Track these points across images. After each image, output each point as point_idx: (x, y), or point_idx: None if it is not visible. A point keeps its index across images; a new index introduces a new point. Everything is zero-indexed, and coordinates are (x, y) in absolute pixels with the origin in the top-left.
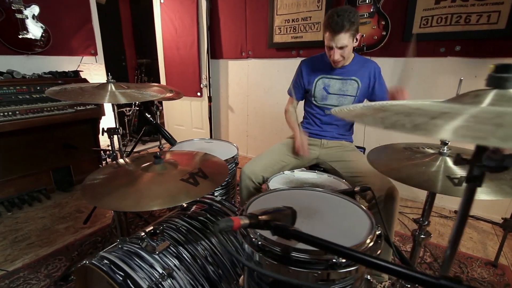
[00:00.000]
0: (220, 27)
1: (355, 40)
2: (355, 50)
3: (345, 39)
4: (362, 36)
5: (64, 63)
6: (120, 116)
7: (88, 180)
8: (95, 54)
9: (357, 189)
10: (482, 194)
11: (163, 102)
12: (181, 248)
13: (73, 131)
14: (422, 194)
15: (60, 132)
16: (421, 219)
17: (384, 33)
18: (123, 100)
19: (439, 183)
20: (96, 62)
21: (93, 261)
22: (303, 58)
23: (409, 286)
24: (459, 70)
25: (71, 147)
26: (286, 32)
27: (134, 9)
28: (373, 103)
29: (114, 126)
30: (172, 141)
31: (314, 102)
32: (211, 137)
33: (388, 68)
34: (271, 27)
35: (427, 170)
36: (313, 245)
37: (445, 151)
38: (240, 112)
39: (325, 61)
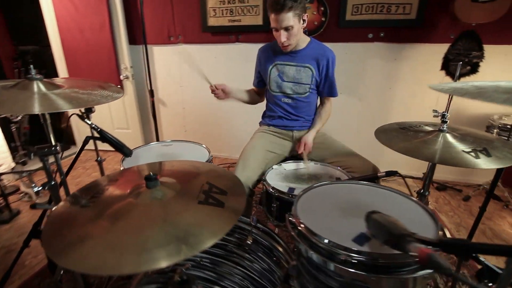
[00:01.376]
0: (137, 6)
1: (302, 21)
2: (307, 33)
3: (289, 20)
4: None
5: None
6: (4, 125)
7: (49, 226)
8: None
9: (381, 173)
10: (489, 163)
11: None
12: None
13: None
14: None
15: None
16: (422, 190)
17: (323, 19)
18: (66, 107)
19: (459, 158)
20: None
21: None
22: (260, 47)
23: None
24: (383, 54)
25: None
26: (222, 14)
27: None
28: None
29: (49, 143)
30: (126, 151)
31: (269, 90)
32: (157, 139)
33: None
34: (204, 9)
35: (442, 148)
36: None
37: (444, 128)
38: (174, 105)
39: (278, 47)
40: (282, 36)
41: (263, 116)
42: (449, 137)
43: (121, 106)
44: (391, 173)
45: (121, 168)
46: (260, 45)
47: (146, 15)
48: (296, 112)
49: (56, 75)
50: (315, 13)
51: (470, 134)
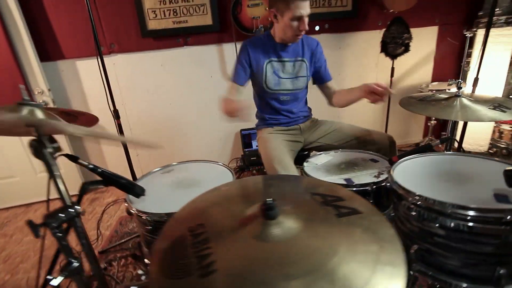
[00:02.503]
0: (46, 11)
1: None
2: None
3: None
4: None
5: None
6: None
7: None
8: None
9: (436, 142)
10: None
11: None
12: None
13: None
14: None
15: None
16: (444, 151)
17: None
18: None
19: (494, 115)
20: None
21: None
22: (247, 39)
23: None
24: (329, 44)
25: None
26: (165, 16)
27: None
28: None
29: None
30: (138, 190)
31: (267, 89)
32: (132, 173)
33: None
34: (141, 11)
35: (471, 109)
36: None
37: (460, 93)
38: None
39: (270, 43)
40: (306, 24)
41: (261, 119)
42: (466, 101)
43: None
44: (445, 140)
45: (133, 211)
46: (213, 47)
47: (61, 24)
48: (295, 108)
49: None
50: (267, 9)
51: (475, 97)
